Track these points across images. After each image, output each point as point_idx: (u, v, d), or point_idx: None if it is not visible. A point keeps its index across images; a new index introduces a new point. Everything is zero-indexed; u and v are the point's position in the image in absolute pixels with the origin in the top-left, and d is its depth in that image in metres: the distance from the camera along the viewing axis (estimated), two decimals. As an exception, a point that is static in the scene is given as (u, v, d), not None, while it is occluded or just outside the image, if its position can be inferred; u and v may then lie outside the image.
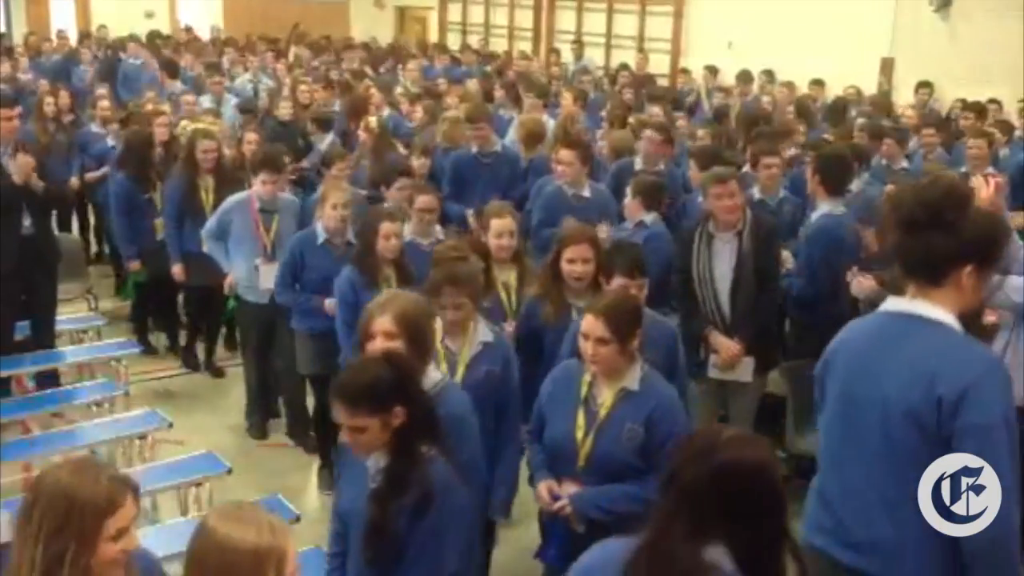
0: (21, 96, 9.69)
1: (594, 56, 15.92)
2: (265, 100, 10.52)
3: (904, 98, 11.31)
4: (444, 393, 3.30)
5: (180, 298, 7.49)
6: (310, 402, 5.91)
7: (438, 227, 5.53)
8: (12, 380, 6.25)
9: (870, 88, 11.97)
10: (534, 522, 3.85)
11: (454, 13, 19.17)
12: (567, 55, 15.79)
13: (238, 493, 4.61)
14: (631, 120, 8.71)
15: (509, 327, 4.65)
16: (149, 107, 8.94)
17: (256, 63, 13.10)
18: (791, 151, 7.57)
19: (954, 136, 8.84)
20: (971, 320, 4.44)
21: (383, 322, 3.25)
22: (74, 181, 8.17)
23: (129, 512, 2.25)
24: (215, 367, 7.19)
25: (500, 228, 4.86)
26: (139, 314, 7.55)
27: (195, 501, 4.69)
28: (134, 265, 7.23)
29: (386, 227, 4.90)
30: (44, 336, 6.40)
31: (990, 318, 4.18)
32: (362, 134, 7.56)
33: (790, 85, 12.39)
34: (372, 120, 7.82)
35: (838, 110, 10.00)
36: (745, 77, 12.75)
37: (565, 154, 6.29)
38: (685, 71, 13.96)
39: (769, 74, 12.73)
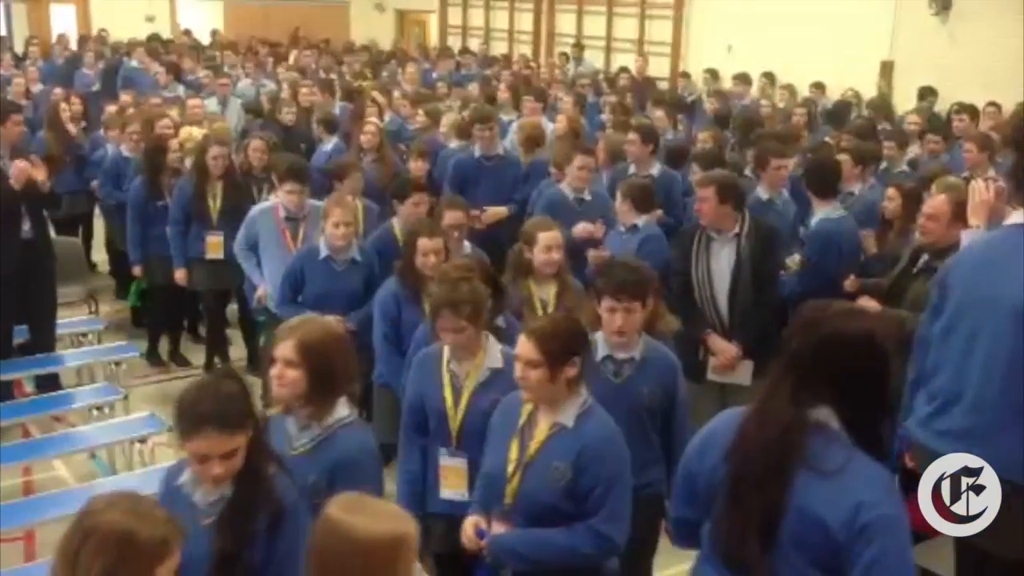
0: (34, 106, 9.71)
1: (594, 59, 15.95)
2: (265, 104, 10.52)
3: (904, 101, 11.30)
4: (343, 431, 3.03)
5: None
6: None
7: (467, 243, 5.32)
8: (12, 384, 6.25)
9: (870, 91, 11.97)
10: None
11: (454, 16, 19.20)
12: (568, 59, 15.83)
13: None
14: (632, 123, 8.71)
15: None
16: (156, 111, 8.79)
17: (254, 67, 13.08)
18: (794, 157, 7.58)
19: (951, 138, 8.83)
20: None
21: (285, 349, 3.02)
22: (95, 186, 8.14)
23: (176, 558, 2.14)
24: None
25: (549, 241, 4.68)
26: (152, 320, 7.48)
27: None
28: (136, 271, 7.20)
29: (424, 244, 4.67)
30: (44, 340, 6.40)
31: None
32: (364, 138, 7.53)
33: (790, 88, 12.40)
34: (373, 124, 7.74)
35: (841, 113, 10.00)
36: (743, 79, 12.76)
37: (585, 160, 6.34)
38: (685, 75, 13.96)
39: (769, 77, 12.74)
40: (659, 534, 3.79)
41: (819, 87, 12.10)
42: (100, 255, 9.05)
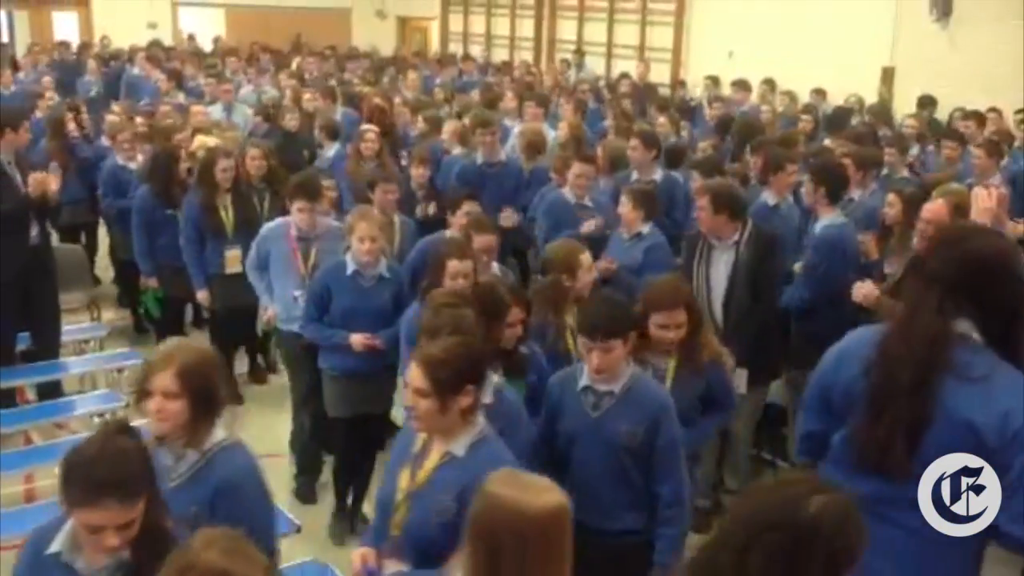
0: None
1: (595, 65, 15.97)
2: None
3: (905, 107, 11.31)
4: (221, 455, 2.88)
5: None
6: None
7: (496, 265, 5.11)
8: (15, 391, 6.25)
9: (871, 97, 11.98)
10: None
11: (455, 23, 19.22)
12: (569, 65, 15.85)
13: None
14: (634, 129, 8.73)
15: None
16: (168, 121, 8.77)
17: (255, 73, 13.10)
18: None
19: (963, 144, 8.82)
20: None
21: (164, 380, 2.80)
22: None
23: None
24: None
25: (591, 261, 4.65)
26: (167, 331, 7.22)
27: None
28: (151, 282, 7.07)
29: (453, 266, 4.38)
30: (48, 346, 6.40)
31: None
32: (363, 145, 7.51)
33: (790, 94, 12.42)
34: (372, 131, 7.71)
35: (841, 119, 10.01)
36: (742, 86, 12.78)
37: (583, 168, 6.34)
38: (682, 83, 13.98)
39: (770, 83, 12.76)
40: None
41: (820, 93, 12.11)
42: (103, 262, 9.07)
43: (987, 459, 2.42)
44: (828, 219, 5.55)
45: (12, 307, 6.07)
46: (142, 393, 2.86)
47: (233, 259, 6.49)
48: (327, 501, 5.46)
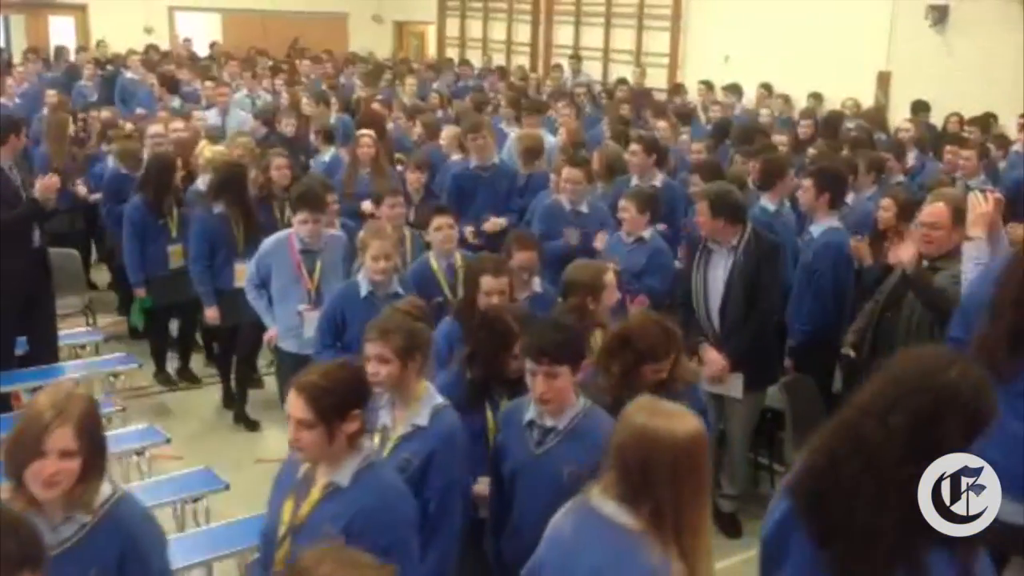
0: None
1: (592, 70, 15.99)
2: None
3: (901, 112, 11.33)
4: (115, 510, 2.65)
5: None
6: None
7: (536, 280, 4.92)
8: (11, 396, 6.23)
9: (868, 101, 12.01)
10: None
11: (452, 28, 19.24)
12: (565, 70, 15.86)
13: (235, 508, 4.58)
14: (633, 135, 8.74)
15: None
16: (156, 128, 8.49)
17: (250, 77, 13.08)
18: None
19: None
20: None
21: (63, 438, 2.51)
22: (81, 191, 8.08)
23: None
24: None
25: (612, 282, 4.43)
26: (157, 342, 7.29)
27: (192, 517, 4.68)
28: (139, 292, 6.99)
29: (488, 282, 4.25)
30: (46, 351, 6.38)
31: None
32: (359, 151, 7.50)
33: (784, 98, 12.44)
34: (368, 137, 7.67)
35: (833, 124, 10.03)
36: (733, 90, 12.80)
37: (571, 173, 6.32)
38: (678, 87, 13.99)
39: (767, 88, 12.78)
40: None
41: (816, 98, 12.13)
42: (99, 269, 9.08)
43: None
44: (827, 224, 5.56)
45: (15, 311, 6.08)
46: (34, 453, 2.49)
47: (243, 273, 6.23)
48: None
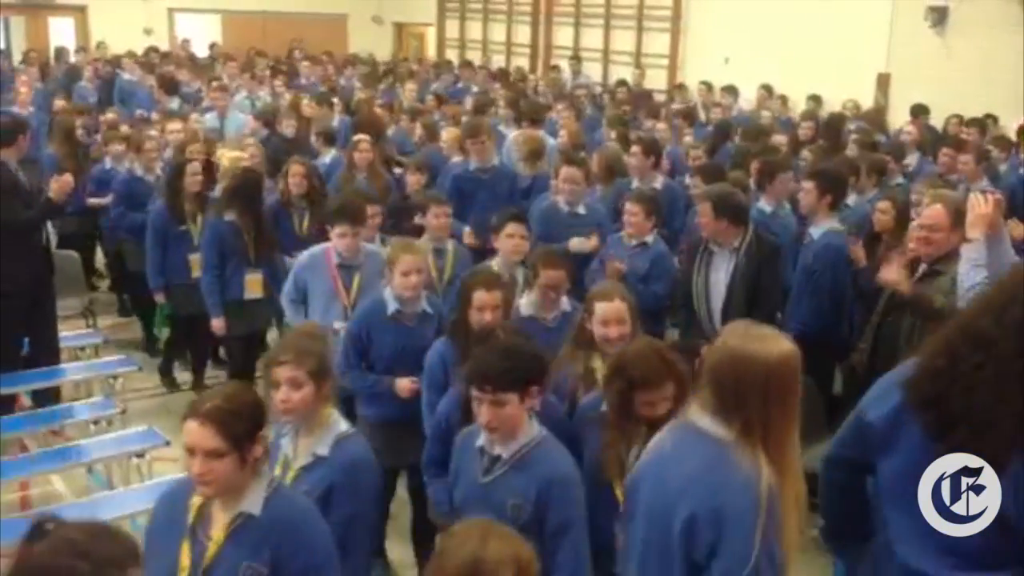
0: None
1: (592, 71, 16.00)
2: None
3: (901, 113, 11.33)
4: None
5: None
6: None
7: (565, 299, 4.58)
8: (15, 397, 6.23)
9: (867, 103, 12.01)
10: None
11: (452, 29, 19.24)
12: (565, 71, 15.87)
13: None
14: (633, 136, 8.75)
15: None
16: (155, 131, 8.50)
17: (249, 78, 13.08)
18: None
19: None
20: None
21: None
22: (93, 201, 8.03)
23: None
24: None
25: (608, 315, 3.88)
26: (173, 350, 7.22)
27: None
28: (159, 297, 6.87)
29: (480, 297, 4.02)
30: (48, 352, 6.39)
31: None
32: (356, 155, 7.47)
33: (783, 98, 12.45)
34: (365, 141, 7.56)
35: (833, 127, 10.03)
36: (731, 91, 12.81)
37: (569, 172, 6.30)
38: (680, 86, 14.00)
39: (767, 89, 12.79)
40: None
41: (816, 99, 12.14)
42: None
43: None
44: (827, 225, 5.56)
45: (22, 312, 6.10)
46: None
47: (255, 283, 6.22)
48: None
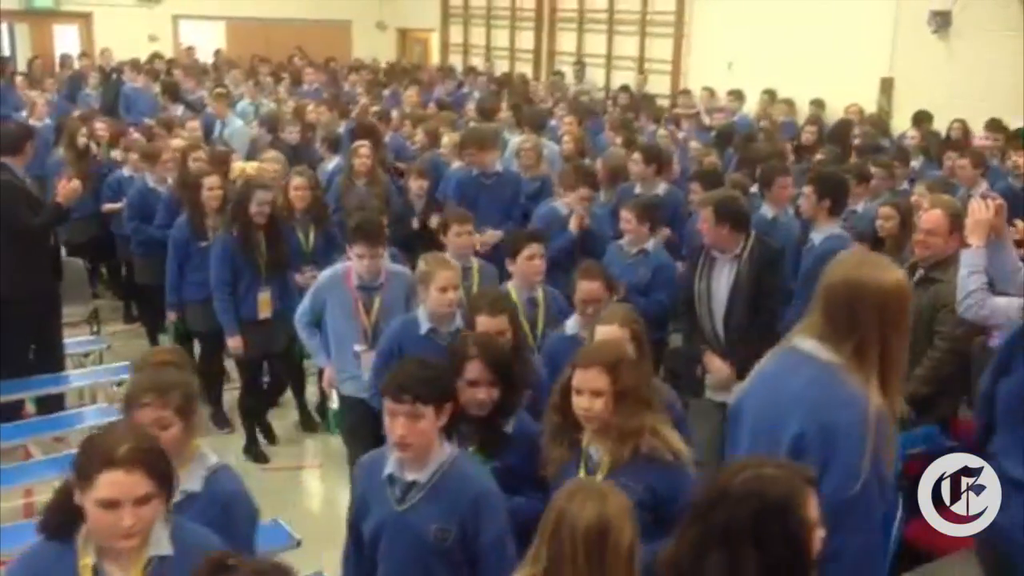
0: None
1: (595, 77, 16.01)
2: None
3: (904, 118, 11.32)
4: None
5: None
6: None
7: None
8: (22, 403, 6.25)
9: (870, 108, 12.00)
10: None
11: (455, 35, 19.27)
12: (568, 76, 15.89)
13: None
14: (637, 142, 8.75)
15: None
16: (178, 142, 8.32)
17: (252, 85, 13.11)
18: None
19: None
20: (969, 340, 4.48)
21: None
22: (108, 206, 8.06)
23: None
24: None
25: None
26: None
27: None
28: (171, 316, 6.67)
29: (483, 323, 3.91)
30: (53, 359, 6.42)
31: (994, 341, 4.18)
32: (356, 161, 7.48)
33: (787, 101, 12.44)
34: (365, 147, 7.53)
35: (842, 132, 10.05)
36: (736, 96, 12.81)
37: (587, 192, 6.28)
38: (685, 92, 14.00)
39: (770, 94, 12.80)
40: None
41: (819, 104, 12.14)
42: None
43: None
44: (828, 230, 5.55)
45: (30, 318, 6.14)
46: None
47: (266, 302, 6.02)
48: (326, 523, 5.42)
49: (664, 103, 13.82)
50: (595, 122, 11.32)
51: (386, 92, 14.00)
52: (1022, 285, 3.80)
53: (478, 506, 2.98)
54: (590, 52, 16.48)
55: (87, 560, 2.41)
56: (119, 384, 6.30)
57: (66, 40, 18.12)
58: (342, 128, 9.85)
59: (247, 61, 16.19)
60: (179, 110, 11.30)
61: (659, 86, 14.95)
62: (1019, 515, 2.95)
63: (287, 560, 2.41)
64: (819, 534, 2.09)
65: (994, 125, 9.52)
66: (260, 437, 6.39)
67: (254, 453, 6.28)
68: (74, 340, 7.01)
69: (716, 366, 5.02)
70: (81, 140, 8.47)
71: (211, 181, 6.53)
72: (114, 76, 14.44)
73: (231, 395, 6.74)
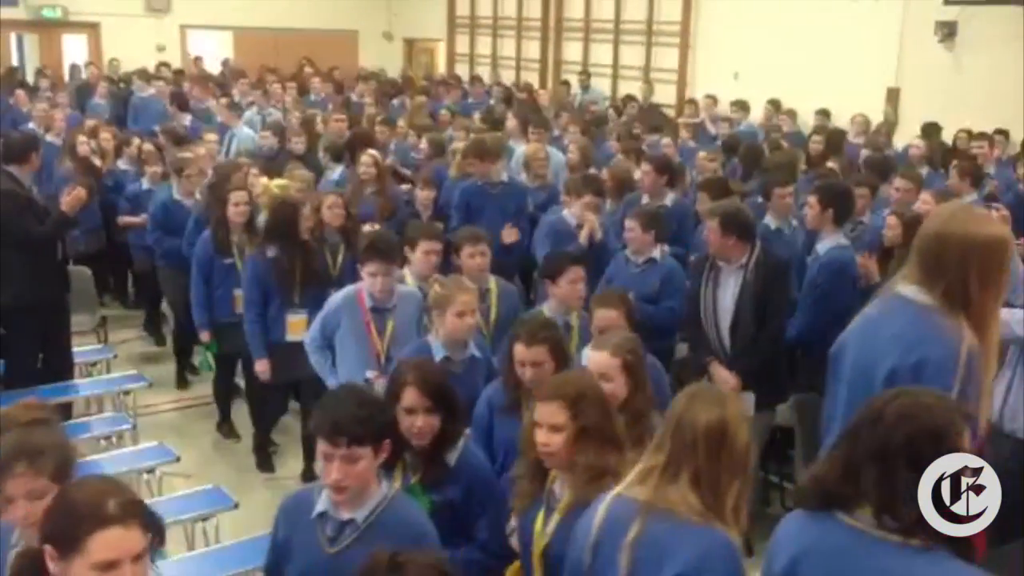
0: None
1: (601, 86, 16.04)
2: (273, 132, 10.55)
3: (910, 128, 11.33)
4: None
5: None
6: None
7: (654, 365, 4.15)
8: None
9: (876, 118, 12.02)
10: None
11: (462, 45, 19.33)
12: (574, 86, 15.92)
13: (245, 527, 4.60)
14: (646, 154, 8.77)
15: None
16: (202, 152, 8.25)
17: (260, 95, 13.15)
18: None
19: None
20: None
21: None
22: (126, 219, 8.06)
23: None
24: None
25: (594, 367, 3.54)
26: (222, 389, 6.76)
27: (202, 536, 4.69)
28: (203, 336, 6.49)
29: (519, 352, 3.70)
30: (62, 367, 6.43)
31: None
32: (361, 169, 7.49)
33: (790, 112, 12.45)
34: (369, 156, 7.51)
35: (835, 141, 10.07)
36: (741, 106, 12.82)
37: (593, 200, 6.29)
38: (692, 101, 14.03)
39: (775, 104, 12.81)
40: None
41: (825, 114, 12.15)
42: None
43: None
44: (832, 242, 5.55)
45: (38, 327, 6.17)
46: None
47: (298, 325, 5.69)
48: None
49: (670, 112, 13.85)
50: (600, 132, 11.34)
51: (394, 102, 14.05)
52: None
53: (416, 547, 2.76)
54: (596, 62, 16.52)
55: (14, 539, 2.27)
56: (126, 393, 6.34)
57: (75, 50, 18.22)
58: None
59: (254, 71, 16.25)
60: (187, 119, 11.34)
61: (665, 96, 14.98)
62: None
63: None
64: None
65: (980, 135, 9.52)
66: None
67: (260, 459, 6.30)
68: (81, 349, 7.03)
69: (722, 376, 5.02)
70: (82, 149, 8.50)
71: (238, 196, 6.34)
72: (122, 86, 14.51)
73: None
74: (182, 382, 7.53)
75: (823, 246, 5.58)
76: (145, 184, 8.09)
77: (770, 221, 6.25)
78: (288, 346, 5.65)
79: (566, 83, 16.15)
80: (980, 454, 2.29)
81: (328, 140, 9.17)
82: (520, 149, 8.99)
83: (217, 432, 6.74)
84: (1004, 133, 10.24)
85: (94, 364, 6.85)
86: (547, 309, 4.79)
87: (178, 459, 5.33)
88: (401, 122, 10.89)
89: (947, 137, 10.69)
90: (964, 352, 2.69)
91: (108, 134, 9.37)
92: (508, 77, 17.54)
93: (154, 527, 2.24)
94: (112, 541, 2.12)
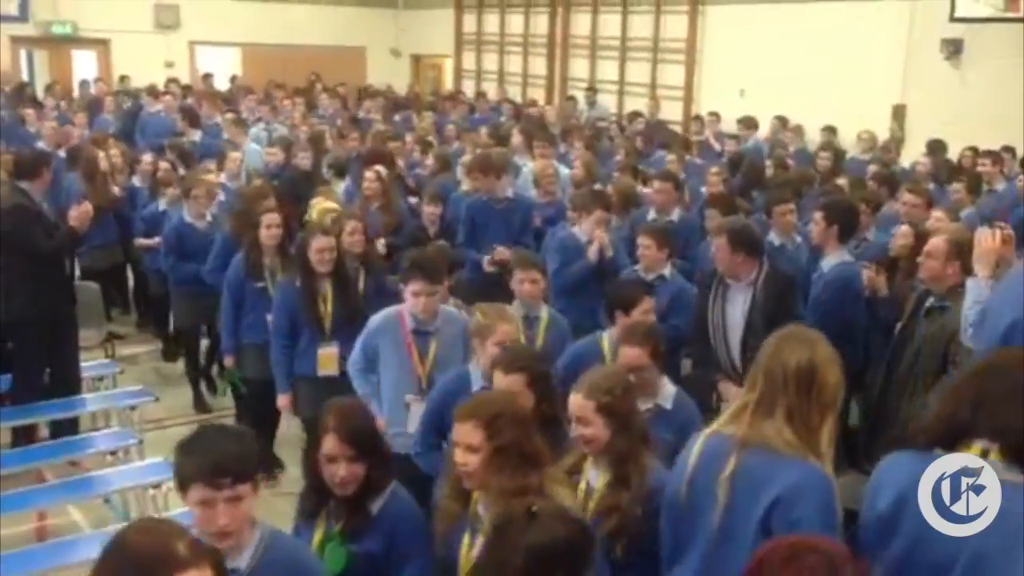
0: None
1: (607, 103, 16.09)
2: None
3: (916, 144, 11.34)
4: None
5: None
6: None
7: (666, 385, 4.03)
8: (36, 427, 6.28)
9: (882, 135, 12.03)
10: None
11: (469, 61, 19.42)
12: (580, 102, 15.98)
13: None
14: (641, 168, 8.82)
15: None
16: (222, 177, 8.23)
17: (267, 111, 13.22)
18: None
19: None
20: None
21: None
22: (141, 241, 8.03)
23: None
24: None
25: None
26: (243, 416, 6.57)
27: (207, 551, 4.68)
28: (228, 361, 6.33)
29: (500, 379, 3.56)
30: (69, 383, 6.46)
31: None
32: (365, 185, 7.52)
33: (797, 129, 12.46)
34: (372, 172, 7.56)
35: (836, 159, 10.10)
36: (748, 123, 12.84)
37: (602, 215, 6.27)
38: (698, 118, 14.07)
39: (781, 120, 12.83)
40: None
41: (831, 130, 12.16)
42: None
43: None
44: (837, 258, 5.55)
45: (44, 342, 6.21)
46: None
47: (328, 358, 5.45)
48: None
49: (677, 129, 13.87)
50: (605, 148, 11.38)
51: (396, 117, 14.10)
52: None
53: None
54: (603, 78, 16.57)
55: None
56: (133, 408, 6.35)
57: (84, 66, 18.33)
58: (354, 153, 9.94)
59: (262, 87, 16.33)
60: (197, 135, 11.40)
61: (671, 112, 15.01)
62: None
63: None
64: None
65: (987, 153, 9.52)
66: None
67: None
68: (88, 364, 7.05)
69: (732, 393, 4.99)
70: (103, 164, 8.49)
71: (270, 219, 6.14)
72: (131, 101, 14.59)
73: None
74: (200, 405, 7.41)
75: (828, 263, 5.58)
76: (162, 205, 8.03)
77: (773, 237, 6.26)
78: (318, 381, 5.39)
79: (572, 99, 16.20)
80: None
81: (333, 156, 9.20)
82: (528, 166, 9.02)
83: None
84: (1011, 150, 10.24)
85: (100, 379, 6.86)
86: (606, 336, 4.58)
87: (184, 474, 5.32)
88: (408, 137, 10.94)
89: (953, 154, 10.69)
90: None
91: (117, 150, 9.40)
92: (515, 93, 17.59)
93: (220, 564, 2.14)
94: None
